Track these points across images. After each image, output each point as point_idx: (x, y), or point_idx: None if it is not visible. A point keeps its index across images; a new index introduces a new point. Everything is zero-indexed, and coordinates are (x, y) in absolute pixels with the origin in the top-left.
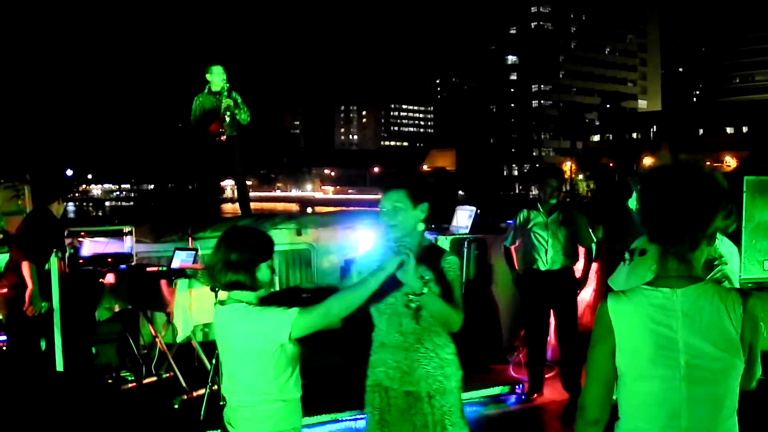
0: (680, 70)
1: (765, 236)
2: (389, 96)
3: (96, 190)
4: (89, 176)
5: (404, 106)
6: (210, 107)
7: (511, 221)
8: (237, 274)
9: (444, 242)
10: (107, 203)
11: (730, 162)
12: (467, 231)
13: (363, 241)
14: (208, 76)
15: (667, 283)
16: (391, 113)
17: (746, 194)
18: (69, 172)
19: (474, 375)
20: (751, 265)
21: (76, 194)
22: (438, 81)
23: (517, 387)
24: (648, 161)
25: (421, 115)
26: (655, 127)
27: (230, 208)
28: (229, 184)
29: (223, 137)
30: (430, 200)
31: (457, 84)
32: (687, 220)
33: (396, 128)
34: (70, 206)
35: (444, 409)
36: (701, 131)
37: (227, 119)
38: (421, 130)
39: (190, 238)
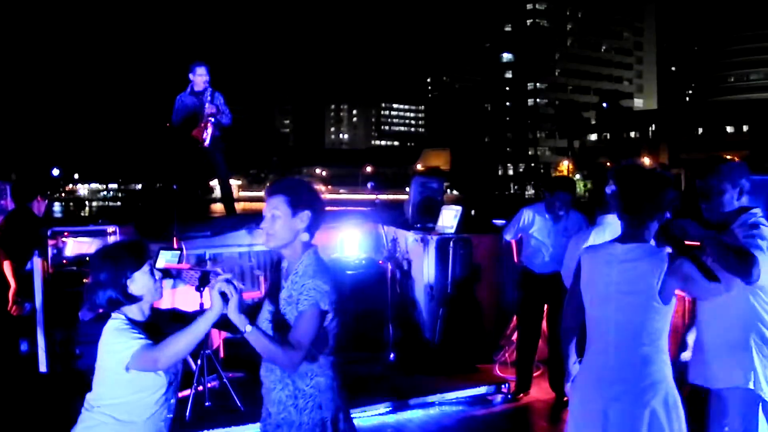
0: (673, 69)
1: None
2: (380, 95)
3: (83, 189)
4: (76, 176)
5: (395, 105)
6: (192, 109)
7: (501, 220)
8: (106, 291)
9: (431, 241)
10: (94, 203)
11: None
12: (453, 231)
13: (350, 240)
14: (191, 76)
15: (621, 241)
16: (382, 112)
17: None
18: (56, 172)
19: (460, 375)
20: None
21: (62, 194)
22: (429, 80)
23: (503, 386)
24: (646, 161)
25: (411, 114)
26: (653, 125)
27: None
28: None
29: (206, 144)
30: (314, 208)
31: (448, 83)
32: (639, 202)
33: (387, 128)
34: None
35: None
36: (700, 130)
37: (209, 128)
38: (412, 129)
39: (175, 238)
